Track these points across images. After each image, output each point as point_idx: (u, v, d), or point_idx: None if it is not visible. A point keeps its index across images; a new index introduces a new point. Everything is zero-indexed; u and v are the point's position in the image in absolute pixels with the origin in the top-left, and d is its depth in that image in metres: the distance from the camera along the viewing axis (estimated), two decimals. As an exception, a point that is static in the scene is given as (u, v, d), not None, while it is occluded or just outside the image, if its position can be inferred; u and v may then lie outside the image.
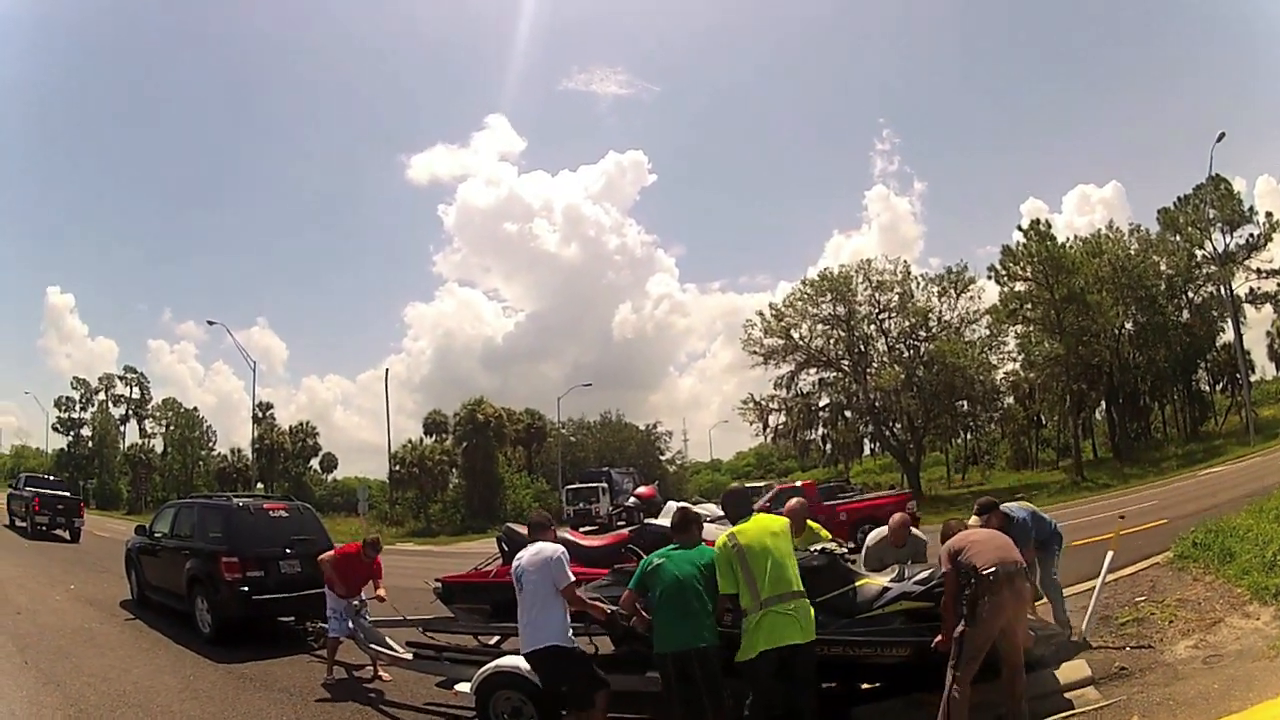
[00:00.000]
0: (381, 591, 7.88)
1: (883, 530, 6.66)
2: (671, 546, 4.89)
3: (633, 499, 8.28)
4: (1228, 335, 39.14)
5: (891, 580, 5.29)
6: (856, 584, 5.22)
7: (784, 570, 4.51)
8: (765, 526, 4.74)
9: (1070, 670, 5.56)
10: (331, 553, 8.13)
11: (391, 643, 7.34)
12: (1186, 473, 27.01)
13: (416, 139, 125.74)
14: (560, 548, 5.18)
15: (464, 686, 5.57)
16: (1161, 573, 8.33)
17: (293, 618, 9.19)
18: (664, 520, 6.61)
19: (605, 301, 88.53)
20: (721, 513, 7.37)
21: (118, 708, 6.46)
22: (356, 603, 7.68)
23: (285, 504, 10.49)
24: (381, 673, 7.54)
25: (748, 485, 35.59)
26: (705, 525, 6.31)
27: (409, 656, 6.92)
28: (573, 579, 5.01)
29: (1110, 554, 6.88)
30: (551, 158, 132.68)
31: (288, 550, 9.36)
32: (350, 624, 7.51)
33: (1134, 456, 37.23)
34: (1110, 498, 22.89)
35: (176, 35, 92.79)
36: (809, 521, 6.50)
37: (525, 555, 5.13)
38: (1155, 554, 9.12)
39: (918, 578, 5.19)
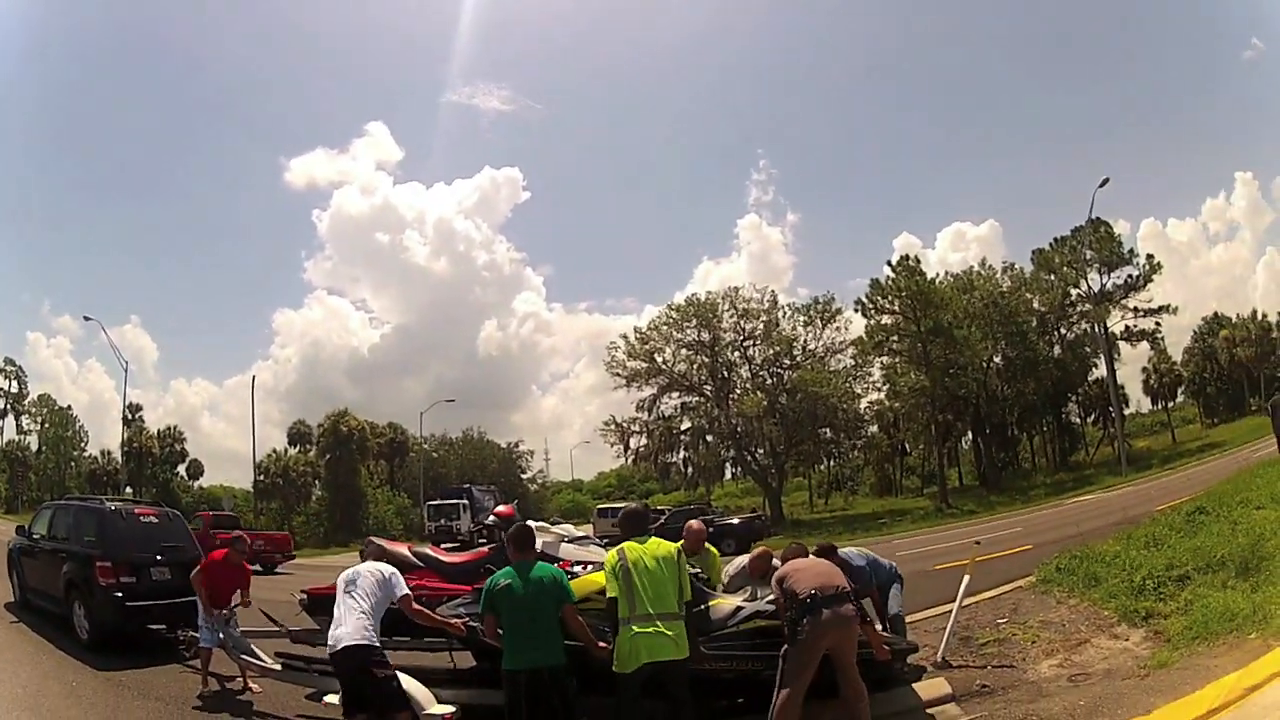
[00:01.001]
0: (248, 598, 7.69)
1: (742, 560, 6.67)
2: (514, 566, 4.89)
3: (492, 517, 8.25)
4: (1100, 370, 40.23)
5: (744, 600, 5.49)
6: (710, 603, 5.38)
7: (665, 590, 4.63)
8: (654, 548, 4.83)
9: (930, 688, 5.66)
10: (200, 565, 7.84)
11: (260, 653, 7.24)
12: (1054, 501, 27.51)
13: (298, 141, 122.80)
14: (393, 569, 5.38)
15: (332, 698, 5.53)
16: (1024, 596, 8.43)
17: (164, 626, 8.76)
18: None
19: (472, 318, 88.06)
20: (579, 533, 7.73)
21: (12, 710, 6.53)
22: (226, 612, 7.54)
23: (156, 510, 10.24)
24: (251, 684, 7.39)
25: (609, 507, 35.33)
26: (563, 545, 6.56)
27: (278, 667, 6.84)
28: (408, 592, 5.24)
29: (967, 578, 7.03)
30: (428, 169, 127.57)
31: (159, 557, 9.14)
32: (220, 634, 7.36)
33: (1000, 485, 38.19)
34: (975, 524, 23.04)
35: (52, 26, 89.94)
36: (706, 544, 6.59)
37: (364, 566, 5.36)
38: (1018, 578, 9.24)
39: (769, 598, 5.32)
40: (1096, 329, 39.08)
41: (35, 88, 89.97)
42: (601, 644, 4.72)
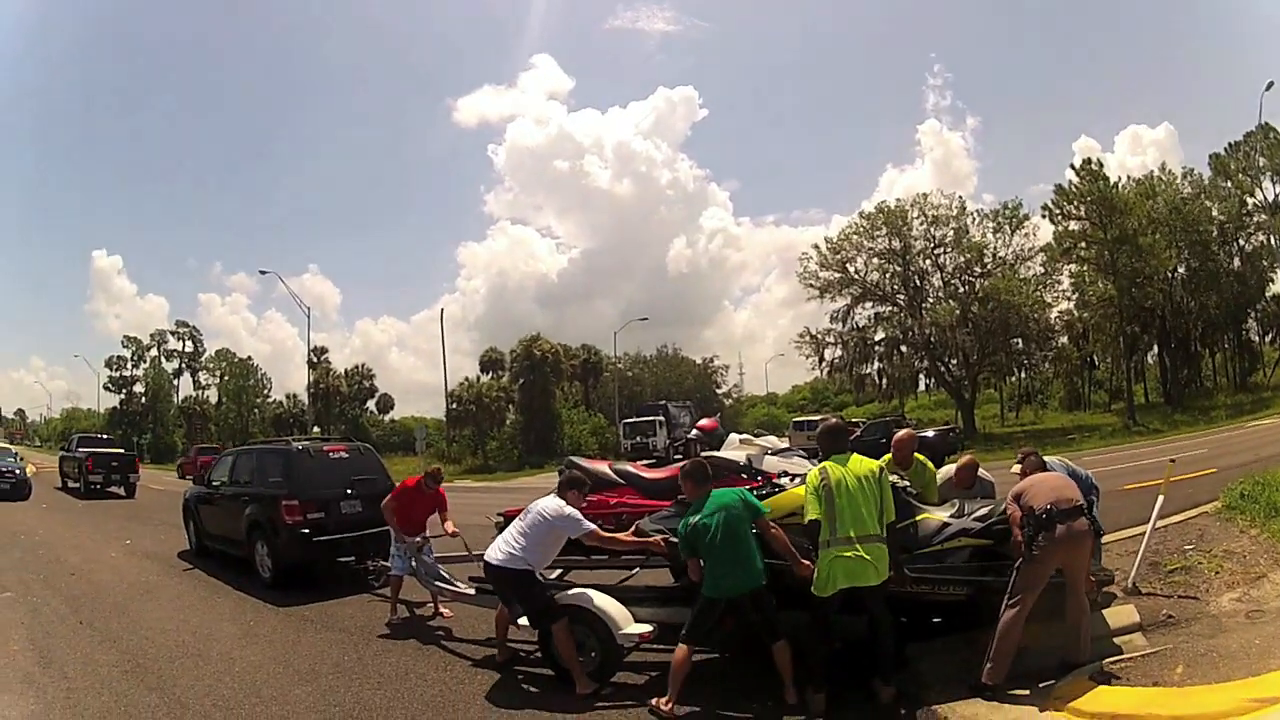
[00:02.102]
0: (450, 525, 7.65)
1: (949, 471, 6.62)
2: (696, 502, 5.03)
3: (695, 431, 7.66)
4: (1277, 285, 39.11)
5: (951, 515, 5.28)
6: (917, 518, 5.20)
7: (866, 512, 4.62)
8: (856, 467, 4.80)
9: (1119, 615, 5.65)
10: (391, 494, 7.96)
11: (453, 579, 7.31)
12: (1235, 423, 26.89)
13: (462, 82, 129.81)
14: (573, 510, 5.57)
15: (526, 621, 5.59)
16: (1210, 522, 8.27)
17: (353, 558, 9.13)
18: (727, 453, 6.65)
19: (659, 237, 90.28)
20: (783, 445, 7.47)
21: (176, 659, 6.46)
22: (419, 540, 7.59)
23: (345, 445, 10.45)
24: (443, 609, 7.55)
25: (805, 419, 36.01)
26: (767, 457, 6.42)
27: (471, 592, 6.87)
28: (592, 528, 5.48)
29: (1161, 498, 6.91)
30: (600, 96, 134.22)
31: (348, 491, 9.38)
32: (413, 562, 7.45)
33: (1184, 403, 37.25)
34: (1160, 444, 22.86)
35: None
36: (917, 455, 6.44)
37: (540, 503, 5.65)
38: (1204, 503, 9.10)
39: (977, 514, 5.22)
40: (1272, 241, 38.22)
41: (193, 48, 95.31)
42: (805, 562, 4.74)
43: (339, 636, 7.06)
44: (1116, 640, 5.29)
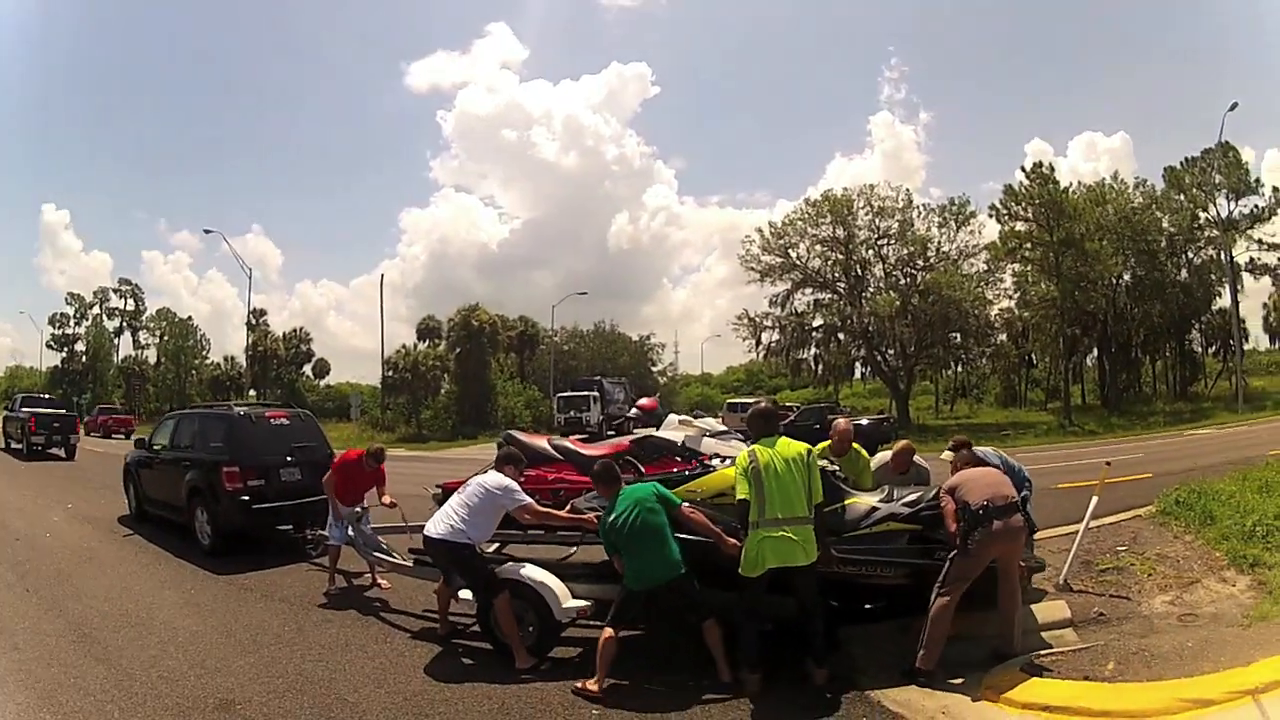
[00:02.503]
0: (388, 498, 7.62)
1: (884, 456, 6.75)
2: (610, 501, 5.15)
3: (634, 410, 8.24)
4: (1224, 300, 39.61)
5: (880, 500, 5.37)
6: (845, 502, 5.30)
7: (794, 493, 4.70)
8: (784, 449, 4.86)
9: (1050, 610, 5.74)
10: (331, 466, 7.95)
11: (392, 550, 7.29)
12: (1173, 430, 27.07)
13: (417, 45, 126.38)
14: (514, 484, 5.67)
15: (465, 594, 5.68)
16: (1143, 525, 8.35)
17: (291, 526, 9.16)
18: (666, 433, 6.78)
19: (602, 211, 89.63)
20: (721, 427, 7.57)
21: (121, 628, 6.42)
22: (358, 510, 7.59)
23: (286, 412, 10.38)
24: (381, 580, 7.52)
25: (739, 401, 35.69)
26: (704, 439, 6.56)
27: (409, 564, 6.86)
28: (529, 502, 5.61)
29: (1095, 499, 7.02)
30: (553, 67, 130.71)
31: (289, 458, 9.33)
32: (350, 531, 7.45)
33: (1122, 407, 37.66)
34: (1096, 445, 23.07)
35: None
36: (855, 445, 6.52)
37: (480, 476, 5.75)
38: (1138, 506, 9.16)
39: (906, 499, 5.31)
40: (1222, 256, 38.39)
41: (145, 7, 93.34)
42: (731, 540, 4.85)
43: (279, 606, 7.08)
44: (1047, 635, 5.38)
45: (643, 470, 6.04)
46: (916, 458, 6.67)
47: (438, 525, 5.58)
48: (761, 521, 4.66)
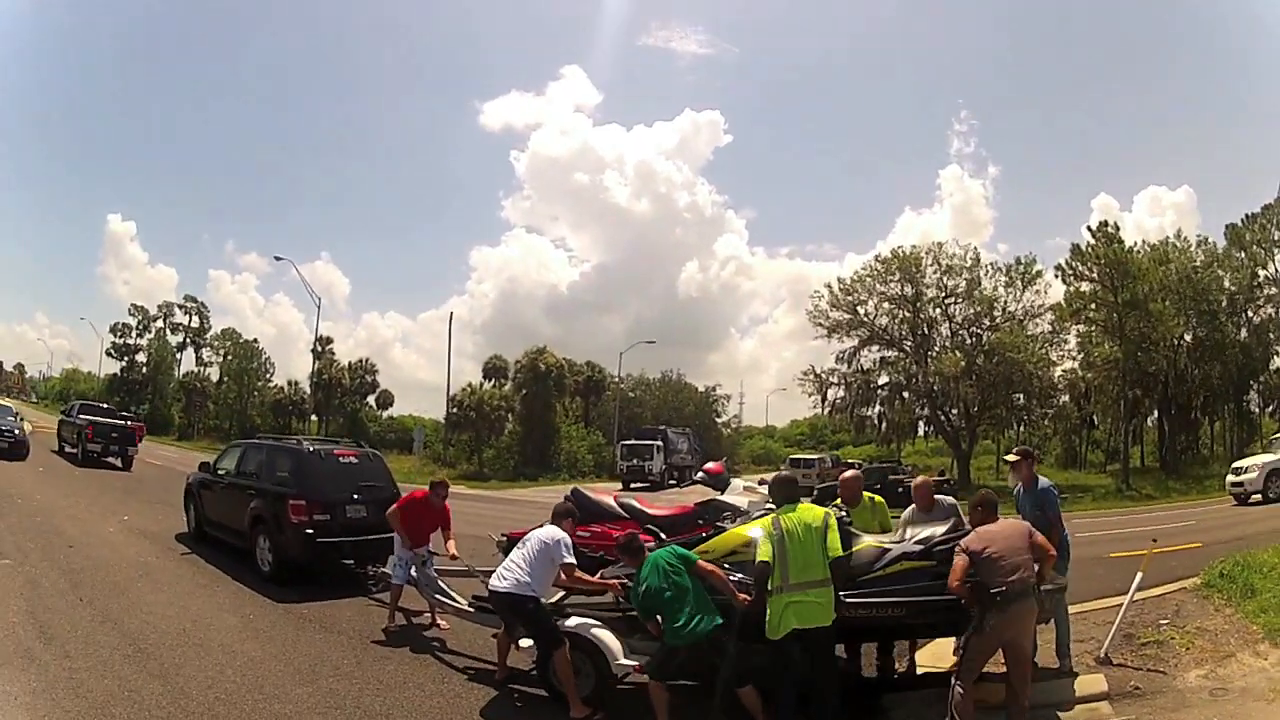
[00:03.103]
0: (452, 547, 7.75)
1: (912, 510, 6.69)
2: (638, 569, 5.40)
3: (701, 474, 7.72)
4: None
5: (891, 542, 5.50)
6: (854, 548, 5.36)
7: (813, 558, 4.92)
8: (804, 515, 5.11)
9: (1089, 683, 5.84)
10: (398, 503, 8.07)
11: (453, 593, 7.39)
12: (1227, 495, 28.17)
13: (491, 85, 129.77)
14: (565, 535, 5.95)
15: (525, 642, 5.85)
16: (1188, 598, 8.37)
17: (353, 561, 9.22)
18: (730, 497, 6.83)
19: (672, 258, 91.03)
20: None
21: (177, 646, 6.45)
22: (423, 552, 7.72)
23: (355, 450, 10.56)
24: (440, 621, 7.63)
25: (802, 457, 36.25)
26: (767, 506, 6.34)
27: (470, 610, 6.96)
28: (570, 562, 5.82)
29: (1140, 575, 7.05)
30: (626, 112, 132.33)
31: (355, 496, 9.45)
32: (414, 572, 7.57)
33: (1179, 470, 37.27)
34: (1152, 510, 23.07)
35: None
36: (865, 493, 6.69)
37: (540, 530, 6.03)
38: (1184, 577, 9.20)
39: (918, 537, 5.43)
40: None
41: (226, 27, 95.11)
42: (743, 595, 5.08)
43: (337, 638, 7.14)
44: (1084, 709, 5.51)
45: (664, 538, 6.10)
46: (940, 496, 6.74)
47: (503, 579, 5.79)
48: (785, 586, 4.88)
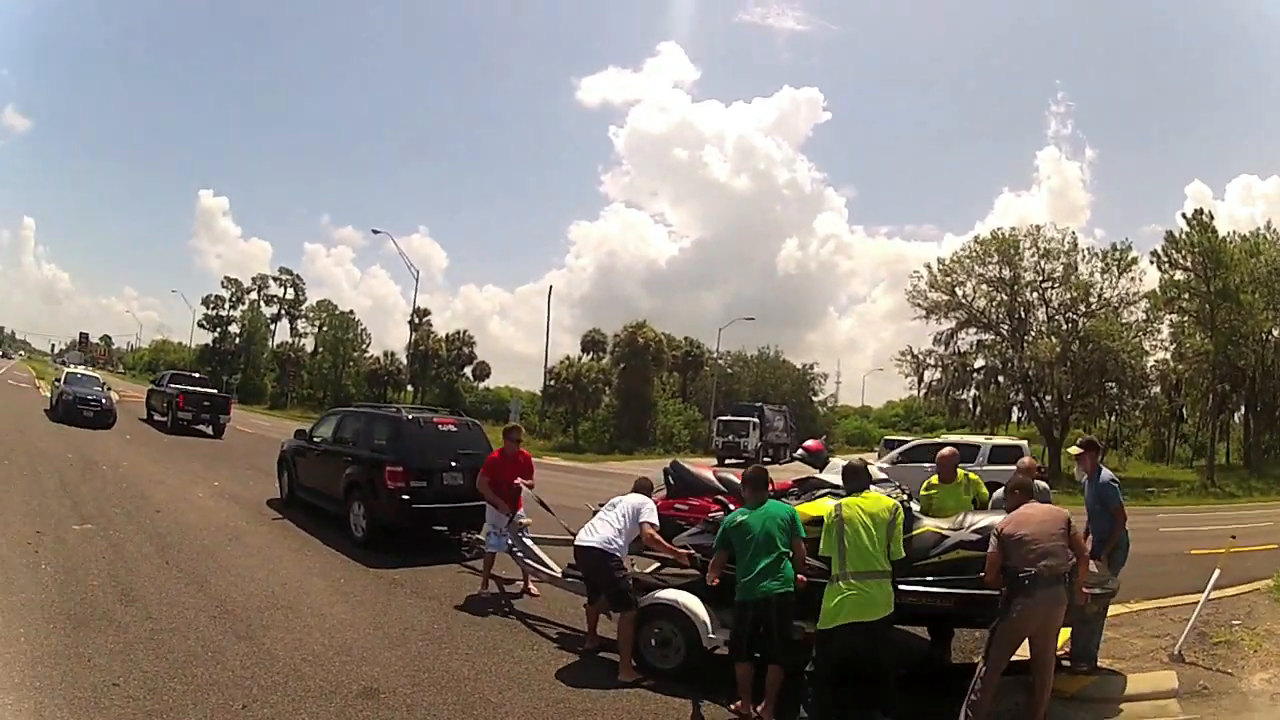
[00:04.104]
0: (531, 481, 7.95)
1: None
2: (749, 505, 5.37)
3: (800, 451, 7.56)
4: None
5: (950, 528, 5.45)
6: (915, 531, 5.36)
7: (874, 549, 4.84)
8: (870, 505, 5.05)
9: (1160, 680, 5.88)
10: (482, 469, 8.07)
11: (548, 560, 7.44)
12: None
13: (588, 61, 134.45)
14: (651, 503, 6.21)
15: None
16: (1260, 600, 8.36)
17: (446, 528, 9.38)
18: (830, 476, 6.73)
19: (771, 235, 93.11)
20: (882, 476, 7.19)
21: (265, 608, 6.48)
22: (521, 518, 7.82)
23: (455, 419, 10.64)
24: (532, 588, 7.77)
25: (896, 439, 37.17)
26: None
27: (560, 575, 7.10)
28: (650, 521, 6.03)
29: (1217, 573, 7.02)
30: (724, 88, 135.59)
31: (453, 464, 9.51)
32: (509, 540, 7.59)
33: (1263, 470, 36.84)
34: (1233, 509, 22.94)
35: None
36: (959, 469, 6.78)
37: (628, 495, 6.33)
38: (1260, 579, 9.17)
39: (977, 525, 5.33)
40: None
41: (321, 14, 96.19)
42: (800, 576, 5.04)
43: (428, 604, 7.18)
44: (1152, 705, 5.61)
45: (731, 509, 6.01)
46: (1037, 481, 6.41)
47: (589, 535, 6.06)
48: (842, 576, 4.81)
